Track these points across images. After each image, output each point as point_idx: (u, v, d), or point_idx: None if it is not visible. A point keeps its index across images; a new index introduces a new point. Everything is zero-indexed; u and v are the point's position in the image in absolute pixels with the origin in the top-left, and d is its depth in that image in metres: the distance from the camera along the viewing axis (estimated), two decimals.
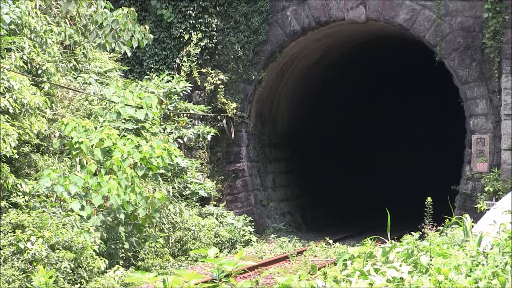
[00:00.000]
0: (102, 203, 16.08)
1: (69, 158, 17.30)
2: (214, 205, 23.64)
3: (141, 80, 22.75)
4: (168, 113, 22.66)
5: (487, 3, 21.48)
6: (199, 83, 24.38)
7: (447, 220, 11.96)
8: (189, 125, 23.66)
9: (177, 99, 22.78)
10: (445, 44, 22.53)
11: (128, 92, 18.84)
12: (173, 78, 22.78)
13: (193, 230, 20.10)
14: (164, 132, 22.10)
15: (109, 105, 18.46)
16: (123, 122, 18.39)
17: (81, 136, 16.50)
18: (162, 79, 22.47)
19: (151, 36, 19.18)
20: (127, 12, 18.29)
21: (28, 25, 16.96)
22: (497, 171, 21.41)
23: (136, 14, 18.75)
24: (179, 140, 22.63)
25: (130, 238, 16.88)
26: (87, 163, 16.80)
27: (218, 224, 22.23)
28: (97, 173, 16.66)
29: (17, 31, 16.85)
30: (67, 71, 19.07)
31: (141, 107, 18.68)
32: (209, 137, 23.58)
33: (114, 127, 17.90)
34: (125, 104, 18.27)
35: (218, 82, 24.32)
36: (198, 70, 24.37)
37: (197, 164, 22.85)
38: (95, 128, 17.33)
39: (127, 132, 18.38)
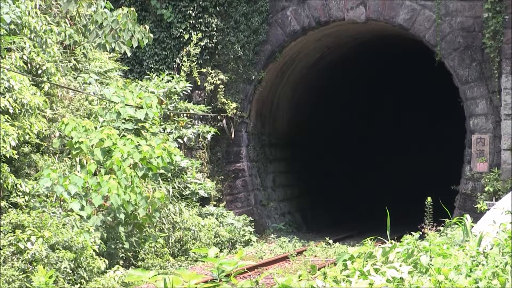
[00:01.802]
0: (102, 203, 16.08)
1: (69, 158, 17.30)
2: (214, 205, 23.63)
3: (141, 80, 22.76)
4: (168, 113, 22.67)
5: (487, 3, 21.48)
6: (199, 83, 24.37)
7: (447, 220, 11.95)
8: (189, 125, 23.66)
9: (177, 99, 22.78)
10: (445, 44, 22.53)
11: (128, 92, 18.85)
12: (173, 78, 22.78)
13: (193, 230, 20.09)
14: (164, 132, 22.10)
15: (109, 105, 18.47)
16: (123, 122, 18.40)
17: (81, 136, 16.50)
18: (162, 79, 22.48)
19: (152, 35, 19.20)
20: (127, 12, 18.31)
21: (28, 25, 16.96)
22: (497, 171, 21.40)
23: (136, 14, 18.78)
24: (179, 140, 22.62)
25: (130, 238, 16.88)
26: (87, 163, 16.80)
27: (218, 224, 22.23)
28: (97, 173, 16.66)
29: (17, 31, 16.85)
30: (67, 71, 19.07)
31: (141, 107, 18.70)
32: (209, 136, 23.58)
33: (114, 127, 17.90)
34: (125, 104, 18.29)
35: (218, 82, 24.31)
36: (198, 70, 24.36)
37: (197, 164, 22.85)
38: (95, 128, 17.34)
39: (127, 132, 18.39)
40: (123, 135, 17.65)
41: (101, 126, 17.59)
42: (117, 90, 18.96)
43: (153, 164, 16.87)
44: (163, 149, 17.09)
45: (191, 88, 23.33)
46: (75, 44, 19.23)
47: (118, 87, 19.40)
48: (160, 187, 19.34)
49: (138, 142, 17.05)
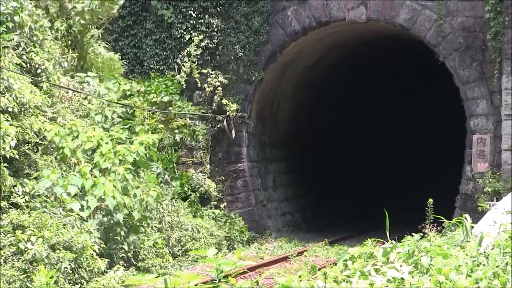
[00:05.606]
0: (98, 205, 16.10)
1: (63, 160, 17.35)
2: (215, 205, 23.62)
3: (142, 81, 22.84)
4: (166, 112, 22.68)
5: (488, 3, 21.46)
6: (199, 84, 24.37)
7: (447, 221, 11.93)
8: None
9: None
10: (446, 44, 22.50)
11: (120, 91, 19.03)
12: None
13: (193, 230, 20.07)
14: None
15: (103, 104, 18.57)
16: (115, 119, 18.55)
17: (66, 140, 16.61)
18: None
19: None
20: None
21: (26, 23, 16.95)
22: (497, 172, 21.37)
23: None
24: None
25: (128, 238, 16.87)
26: (79, 165, 16.87)
27: (217, 224, 22.22)
28: (91, 174, 16.70)
29: (17, 29, 16.84)
30: (67, 70, 19.08)
31: (133, 107, 18.78)
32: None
33: (104, 127, 18.02)
34: (115, 102, 18.44)
35: (219, 82, 24.30)
36: (199, 71, 24.35)
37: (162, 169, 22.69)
38: (91, 126, 17.45)
39: (118, 132, 18.53)
40: (110, 135, 17.76)
41: (91, 125, 17.74)
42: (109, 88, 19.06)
43: (127, 160, 16.95)
44: (139, 143, 17.15)
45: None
46: (73, 42, 19.29)
47: (113, 91, 19.48)
48: (153, 187, 19.39)
49: (119, 138, 17.23)
